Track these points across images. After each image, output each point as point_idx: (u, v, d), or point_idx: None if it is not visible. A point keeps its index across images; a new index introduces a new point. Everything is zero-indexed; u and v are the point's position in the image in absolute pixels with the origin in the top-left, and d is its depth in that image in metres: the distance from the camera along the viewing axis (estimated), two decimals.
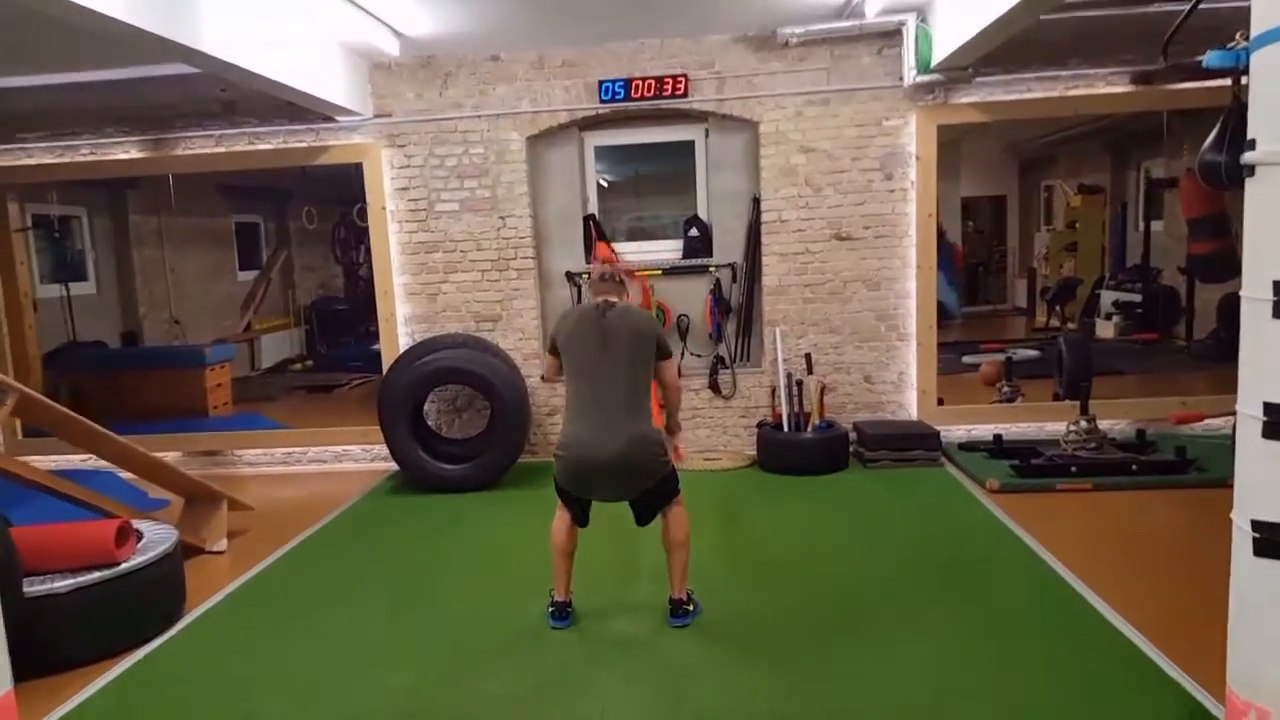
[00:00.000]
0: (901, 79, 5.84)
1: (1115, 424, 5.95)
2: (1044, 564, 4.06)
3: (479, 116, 6.20)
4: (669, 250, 6.46)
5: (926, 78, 5.68)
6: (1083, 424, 5.42)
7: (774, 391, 6.14)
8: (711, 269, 6.30)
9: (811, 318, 6.14)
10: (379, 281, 6.45)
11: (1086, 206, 11.12)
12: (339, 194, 9.98)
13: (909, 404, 6.16)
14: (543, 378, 3.88)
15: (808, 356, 6.04)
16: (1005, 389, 6.73)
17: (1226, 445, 5.35)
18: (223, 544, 4.83)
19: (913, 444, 5.75)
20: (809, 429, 5.85)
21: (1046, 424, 6.07)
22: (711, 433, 6.30)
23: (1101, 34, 5.70)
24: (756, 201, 6.17)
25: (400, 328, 6.46)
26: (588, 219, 6.41)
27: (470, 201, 6.28)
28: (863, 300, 6.11)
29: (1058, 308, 10.70)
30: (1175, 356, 8.70)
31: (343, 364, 10.21)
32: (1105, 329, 10.16)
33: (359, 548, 4.81)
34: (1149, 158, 10.94)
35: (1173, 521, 4.62)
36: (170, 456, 6.77)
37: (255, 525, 5.19)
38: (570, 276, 6.40)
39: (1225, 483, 5.04)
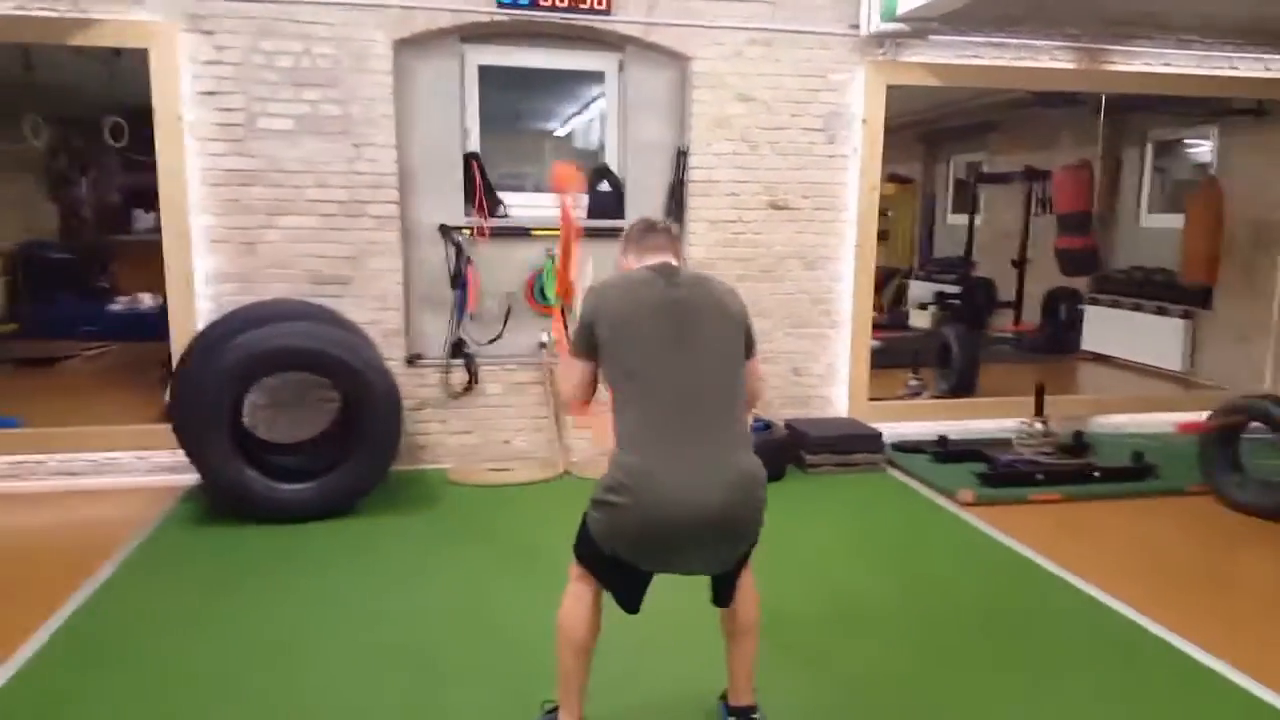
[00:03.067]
0: (856, 25, 5.05)
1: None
2: (1097, 603, 3.45)
3: (329, 3, 4.56)
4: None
5: (890, 26, 4.93)
6: (1038, 426, 5.00)
7: None
8: None
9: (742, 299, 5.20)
10: (168, 223, 4.60)
11: (898, 196, 11.21)
12: (62, 106, 7.57)
13: (837, 399, 5.45)
14: (566, 404, 2.54)
15: None
16: (912, 382, 6.26)
17: (1167, 448, 5.18)
18: None
19: (855, 445, 5.04)
20: None
21: (969, 422, 5.64)
22: None
23: (1050, 2, 5.27)
24: (682, 155, 5.11)
25: (200, 288, 4.67)
26: (469, 158, 5.00)
27: (312, 120, 4.63)
28: (797, 280, 5.28)
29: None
30: (1002, 348, 8.86)
31: (65, 328, 7.79)
32: (921, 319, 10.27)
33: (161, 633, 3.09)
34: (959, 153, 11.28)
35: (1175, 534, 4.25)
36: None
37: None
38: (446, 231, 4.96)
39: (1185, 490, 4.94)
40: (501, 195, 5.08)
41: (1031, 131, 8.89)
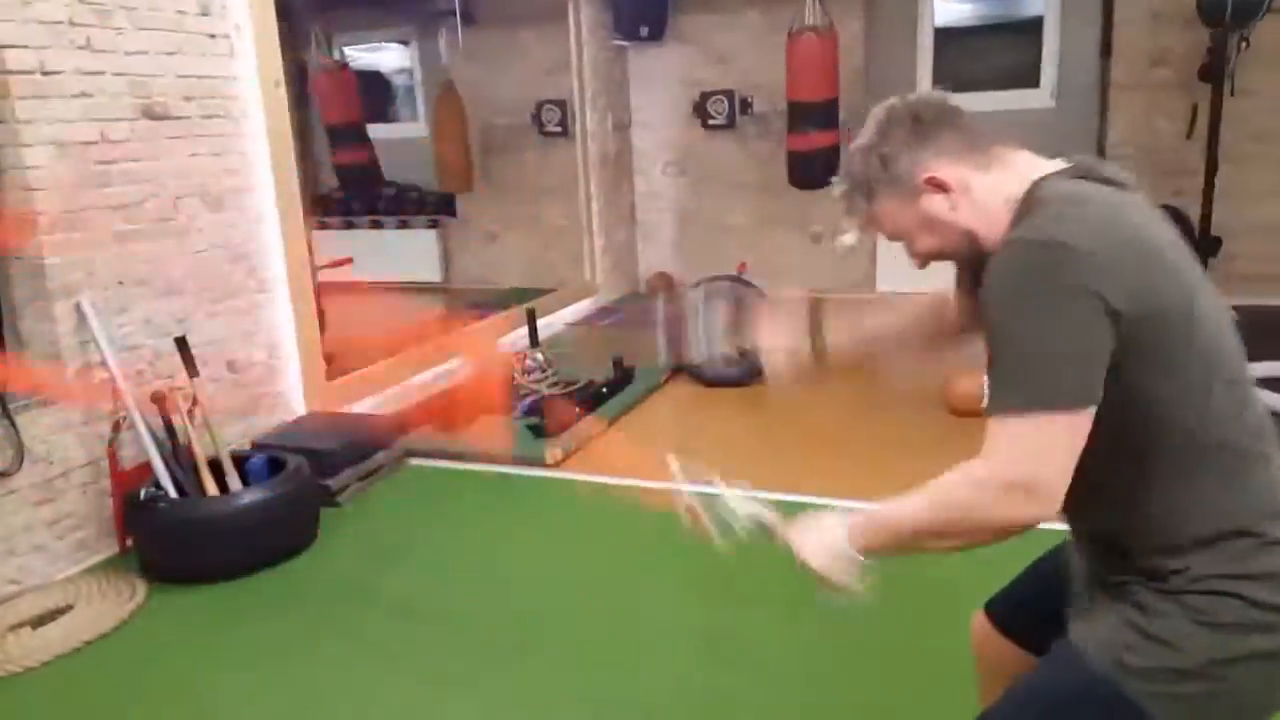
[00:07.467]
0: None
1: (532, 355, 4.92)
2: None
3: None
4: None
5: None
6: (539, 356, 4.38)
7: (118, 428, 2.95)
8: None
9: (136, 271, 3.10)
10: None
11: None
12: None
13: (290, 391, 3.81)
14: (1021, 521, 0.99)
15: (181, 342, 3.06)
16: None
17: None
18: None
19: (370, 447, 3.64)
20: (213, 479, 3.05)
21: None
22: None
23: None
24: None
25: None
26: None
27: None
28: (206, 229, 3.39)
29: None
30: None
31: None
32: None
33: None
34: None
35: (705, 415, 4.31)
36: None
37: None
38: None
39: (664, 382, 4.92)
40: None
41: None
